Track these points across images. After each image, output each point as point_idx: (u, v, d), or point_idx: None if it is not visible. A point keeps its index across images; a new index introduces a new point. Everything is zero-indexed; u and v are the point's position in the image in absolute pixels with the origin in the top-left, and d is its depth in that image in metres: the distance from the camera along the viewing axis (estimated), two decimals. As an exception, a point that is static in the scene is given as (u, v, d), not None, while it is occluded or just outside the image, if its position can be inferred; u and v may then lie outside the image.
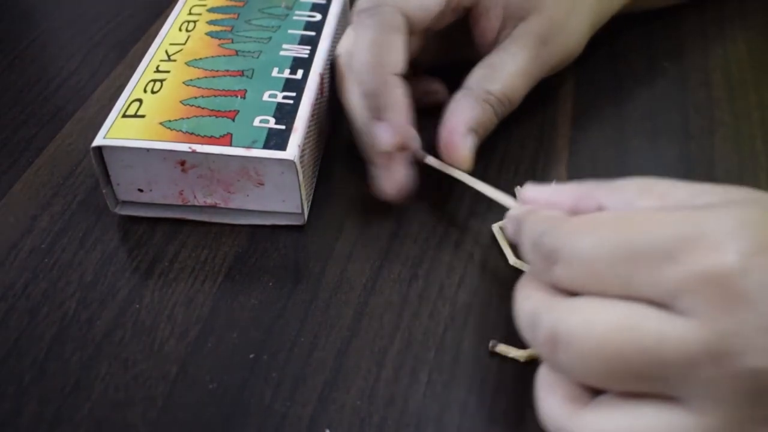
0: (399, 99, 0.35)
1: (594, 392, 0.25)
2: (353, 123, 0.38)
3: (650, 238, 0.23)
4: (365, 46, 0.35)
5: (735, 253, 0.21)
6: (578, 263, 0.25)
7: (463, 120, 0.36)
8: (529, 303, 0.26)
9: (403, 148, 0.35)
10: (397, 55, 0.35)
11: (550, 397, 0.26)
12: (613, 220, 0.25)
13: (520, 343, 0.31)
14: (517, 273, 0.35)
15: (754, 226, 0.22)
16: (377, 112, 0.35)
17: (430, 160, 0.36)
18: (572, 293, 0.25)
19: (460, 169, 0.36)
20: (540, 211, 0.28)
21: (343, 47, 0.39)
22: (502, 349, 0.31)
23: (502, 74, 0.37)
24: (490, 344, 0.31)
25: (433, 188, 0.38)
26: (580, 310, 0.24)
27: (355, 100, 0.37)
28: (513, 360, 0.31)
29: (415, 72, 0.40)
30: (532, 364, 0.31)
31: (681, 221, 0.23)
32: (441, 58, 0.42)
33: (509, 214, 0.31)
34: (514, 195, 0.35)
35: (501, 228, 0.36)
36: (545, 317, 0.25)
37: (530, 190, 0.32)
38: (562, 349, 0.24)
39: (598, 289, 0.24)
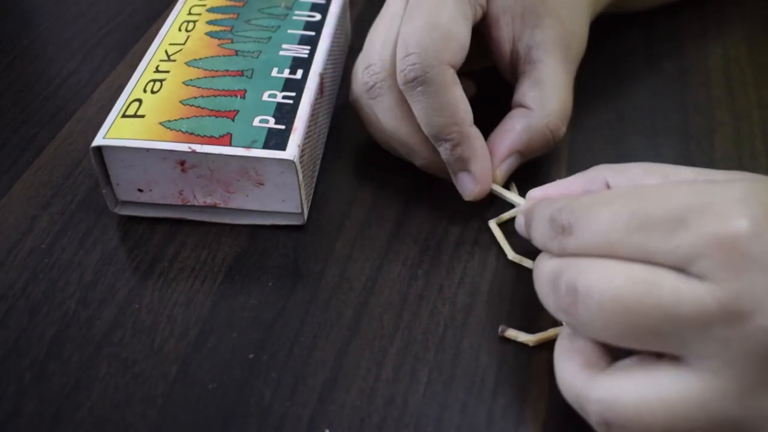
0: (479, 150, 0.35)
1: (611, 361, 0.26)
2: (408, 150, 0.37)
3: (663, 206, 0.24)
4: (435, 112, 0.34)
5: (745, 218, 0.23)
6: (594, 233, 0.25)
7: (510, 142, 0.36)
8: (550, 265, 0.27)
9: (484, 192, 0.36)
10: (465, 106, 0.35)
11: (568, 364, 0.26)
12: (626, 193, 0.26)
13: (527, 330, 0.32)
14: (517, 271, 0.35)
15: (760, 196, 0.23)
16: (462, 164, 0.35)
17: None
18: None
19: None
20: (553, 199, 0.29)
21: (355, 92, 0.38)
22: (512, 333, 0.31)
23: (553, 92, 0.37)
24: (500, 329, 0.32)
25: (433, 188, 0.38)
26: (600, 265, 0.25)
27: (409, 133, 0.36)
28: (523, 345, 0.31)
29: None
30: (532, 364, 0.31)
31: (692, 191, 0.24)
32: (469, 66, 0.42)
33: (520, 208, 0.32)
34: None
35: (498, 224, 0.36)
36: (566, 274, 0.26)
37: (537, 191, 0.33)
38: (581, 301, 0.25)
39: (614, 257, 0.25)
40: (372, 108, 0.37)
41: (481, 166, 0.35)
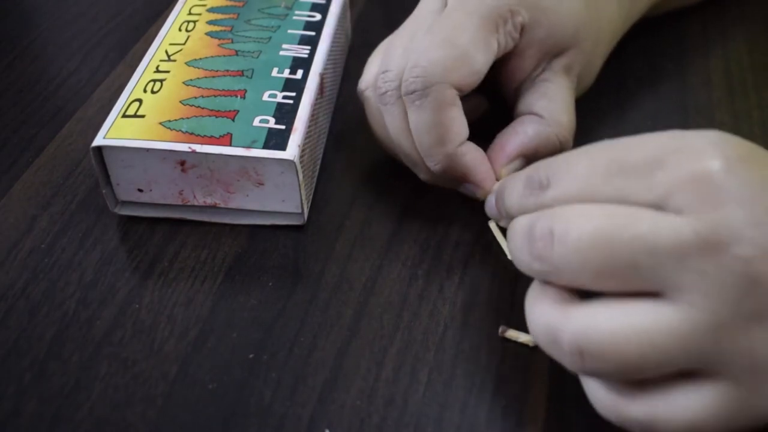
0: (472, 164, 0.35)
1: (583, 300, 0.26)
2: (402, 154, 0.37)
3: (640, 151, 0.25)
4: (425, 129, 0.34)
5: (719, 157, 0.24)
6: (572, 181, 0.26)
7: (519, 144, 0.36)
8: (524, 219, 0.27)
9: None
10: (459, 128, 0.34)
11: (539, 304, 0.26)
12: (603, 144, 0.27)
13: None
14: (517, 271, 0.34)
15: (732, 141, 0.25)
16: (459, 180, 0.35)
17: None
18: None
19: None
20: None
21: (365, 82, 0.38)
22: (512, 334, 0.31)
23: (563, 107, 0.37)
24: (500, 329, 0.32)
25: (434, 188, 0.38)
26: (578, 208, 0.25)
27: (400, 136, 0.36)
28: (522, 345, 0.31)
29: None
30: (532, 364, 0.31)
31: (667, 136, 0.25)
32: None
33: (493, 188, 0.32)
34: None
35: (498, 224, 0.36)
36: (541, 221, 0.26)
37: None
38: (557, 242, 0.25)
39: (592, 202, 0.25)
40: (381, 114, 0.36)
41: (479, 177, 0.35)
